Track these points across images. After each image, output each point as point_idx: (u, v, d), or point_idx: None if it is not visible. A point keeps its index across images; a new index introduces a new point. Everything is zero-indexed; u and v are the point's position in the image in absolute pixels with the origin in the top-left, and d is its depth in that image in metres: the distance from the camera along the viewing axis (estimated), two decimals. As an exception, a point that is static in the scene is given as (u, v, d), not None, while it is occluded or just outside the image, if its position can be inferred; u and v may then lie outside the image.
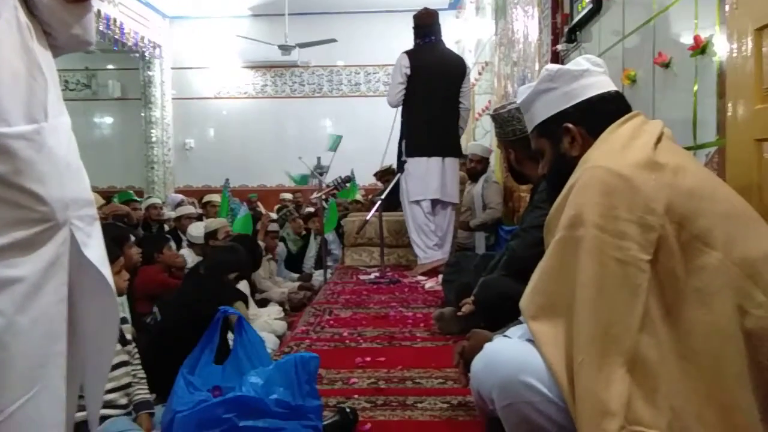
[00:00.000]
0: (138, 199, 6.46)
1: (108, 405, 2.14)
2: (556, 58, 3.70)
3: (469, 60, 7.38)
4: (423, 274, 4.32)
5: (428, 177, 4.40)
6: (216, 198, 6.73)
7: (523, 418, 1.15)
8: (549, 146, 1.42)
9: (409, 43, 4.64)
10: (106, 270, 1.07)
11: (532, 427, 1.15)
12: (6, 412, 0.89)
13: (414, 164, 4.39)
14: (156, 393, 2.39)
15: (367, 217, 4.21)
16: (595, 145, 1.30)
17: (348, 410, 1.61)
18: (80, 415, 1.18)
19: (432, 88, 4.38)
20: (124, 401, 2.22)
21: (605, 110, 1.34)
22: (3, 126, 0.89)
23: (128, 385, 2.26)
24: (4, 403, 0.89)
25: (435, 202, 4.48)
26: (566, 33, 3.55)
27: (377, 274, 4.32)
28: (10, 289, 0.90)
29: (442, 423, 1.70)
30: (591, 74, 1.37)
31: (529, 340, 1.21)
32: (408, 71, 4.38)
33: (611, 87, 1.40)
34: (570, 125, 1.35)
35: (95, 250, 1.06)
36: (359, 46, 9.72)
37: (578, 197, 1.17)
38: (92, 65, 10.00)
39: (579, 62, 1.40)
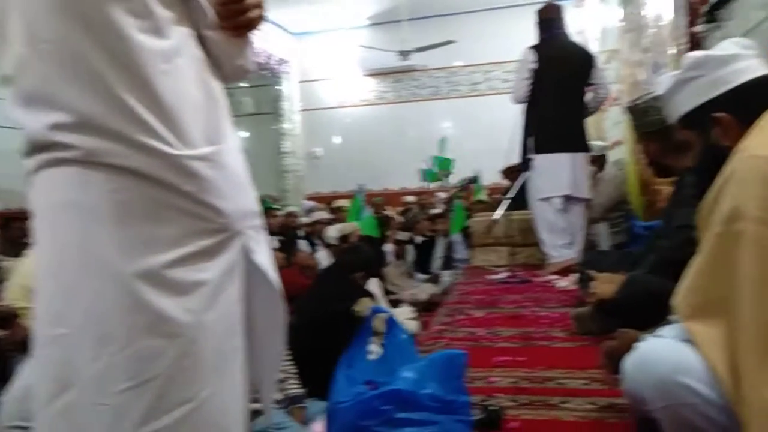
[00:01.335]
0: (276, 207, 6.89)
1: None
2: (695, 40, 3.47)
3: (594, 49, 7.09)
4: (555, 273, 4.23)
5: (559, 173, 4.29)
6: (346, 203, 7.01)
7: (684, 420, 1.12)
8: (697, 137, 1.36)
9: (528, 37, 4.56)
10: (273, 274, 1.19)
11: (694, 429, 1.12)
12: (198, 399, 1.02)
13: (543, 161, 4.30)
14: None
15: (494, 217, 4.19)
16: (750, 133, 1.23)
17: (493, 408, 1.64)
18: (252, 406, 1.32)
19: (559, 82, 4.27)
20: (279, 396, 2.41)
21: (759, 96, 1.26)
22: (189, 149, 1.03)
23: (282, 381, 2.45)
24: (194, 392, 1.02)
25: (566, 199, 4.36)
26: (705, 12, 3.31)
27: (507, 274, 4.29)
28: (198, 291, 1.04)
29: (589, 424, 1.68)
30: (740, 59, 1.30)
31: (684, 341, 1.17)
32: (534, 66, 4.30)
33: (764, 71, 1.31)
34: (720, 114, 1.29)
35: (263, 256, 1.19)
36: (477, 46, 9.66)
37: (736, 189, 1.12)
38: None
39: (725, 47, 1.33)
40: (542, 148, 4.29)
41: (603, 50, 6.94)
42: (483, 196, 7.35)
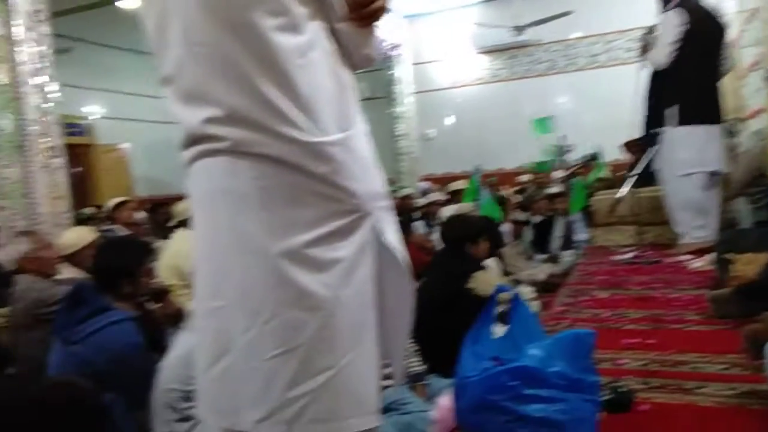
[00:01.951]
0: (393, 189, 7.00)
1: (388, 376, 2.42)
2: None
3: (730, 9, 6.46)
4: (689, 253, 3.95)
5: (706, 146, 3.93)
6: (463, 185, 6.99)
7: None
8: None
9: (652, 3, 4.25)
10: (402, 254, 1.25)
11: None
12: (336, 368, 1.10)
13: (685, 133, 3.94)
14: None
15: (619, 195, 4.00)
16: None
17: (623, 390, 1.61)
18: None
19: (705, 47, 3.93)
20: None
21: None
22: (323, 136, 1.11)
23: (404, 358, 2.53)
24: (334, 360, 1.10)
25: (711, 175, 3.99)
26: None
27: (634, 254, 4.09)
28: (335, 268, 1.11)
29: (728, 410, 1.59)
30: None
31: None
32: (683, 29, 3.95)
33: None
34: None
35: (392, 236, 1.24)
36: (596, 15, 9.15)
37: None
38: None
39: None
40: (687, 119, 3.91)
41: (742, 10, 6.31)
42: (604, 173, 7.01)
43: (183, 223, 3.80)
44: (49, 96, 3.85)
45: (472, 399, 1.35)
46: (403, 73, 10.26)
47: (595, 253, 4.58)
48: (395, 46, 9.96)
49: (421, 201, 6.69)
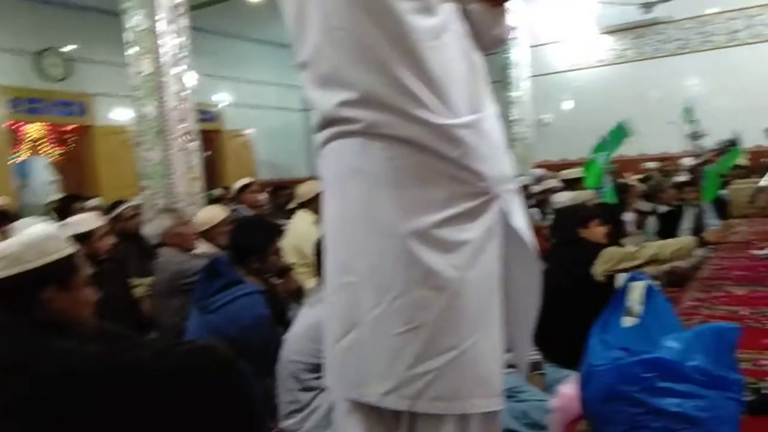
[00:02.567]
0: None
1: (508, 364, 2.39)
2: None
3: None
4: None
5: None
6: (579, 173, 6.69)
7: None
8: None
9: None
10: (529, 237, 1.23)
11: None
12: (460, 348, 1.11)
13: None
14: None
15: (762, 184, 3.66)
16: None
17: (766, 391, 1.48)
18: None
19: None
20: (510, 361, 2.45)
21: None
22: (455, 118, 1.11)
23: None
24: (458, 341, 1.11)
25: None
26: None
27: (776, 249, 3.74)
28: (462, 249, 1.12)
29: None
30: None
31: None
32: None
33: None
34: None
35: (519, 219, 1.23)
36: (737, -14, 8.36)
37: None
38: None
39: None
40: None
41: None
42: (742, 160, 6.42)
43: (303, 205, 3.97)
44: (186, 84, 4.16)
45: (602, 388, 1.31)
46: (519, 56, 9.96)
47: (730, 246, 4.23)
48: (512, 29, 9.69)
49: (536, 188, 6.50)
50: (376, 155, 1.12)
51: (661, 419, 1.24)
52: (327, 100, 1.15)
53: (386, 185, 1.11)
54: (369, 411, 1.19)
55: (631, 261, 2.46)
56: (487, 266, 1.15)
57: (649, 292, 1.45)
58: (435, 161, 1.10)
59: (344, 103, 1.12)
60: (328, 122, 1.18)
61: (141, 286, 3.43)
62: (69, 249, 1.40)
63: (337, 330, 1.20)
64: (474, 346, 1.12)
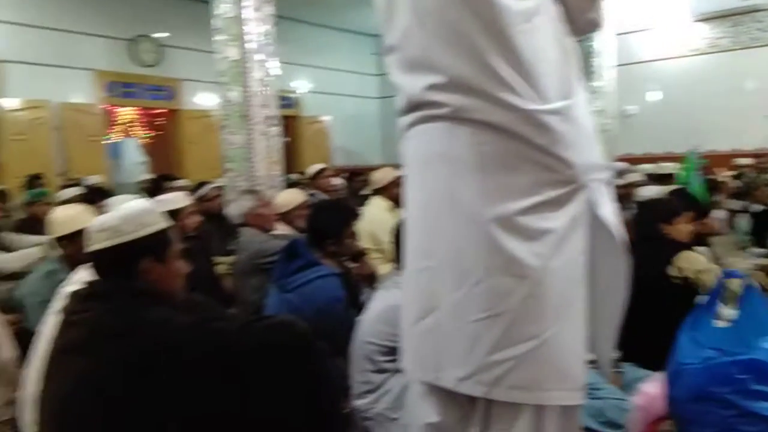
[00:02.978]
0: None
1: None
2: None
3: None
4: None
5: None
6: (670, 168, 6.38)
7: None
8: None
9: None
10: (617, 229, 1.19)
11: None
12: (541, 338, 1.10)
13: None
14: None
15: None
16: None
17: None
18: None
19: None
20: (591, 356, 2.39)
21: None
22: (544, 103, 1.09)
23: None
24: (539, 330, 1.10)
25: None
26: None
27: None
28: (545, 238, 1.10)
29: None
30: None
31: None
32: None
33: None
34: None
35: (607, 210, 1.19)
36: None
37: None
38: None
39: None
40: None
41: None
42: None
43: (378, 192, 4.02)
44: (270, 71, 4.28)
45: (692, 388, 1.25)
46: (603, 44, 9.57)
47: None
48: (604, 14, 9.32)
49: (619, 182, 6.25)
50: (462, 140, 1.11)
51: (754, 423, 1.18)
52: (414, 84, 1.16)
53: (471, 170, 1.11)
54: (444, 395, 1.20)
55: (704, 277, 2.32)
56: (570, 256, 1.13)
57: (746, 290, 1.37)
58: (522, 147, 1.09)
59: (432, 87, 1.12)
60: (413, 106, 1.18)
61: (222, 264, 3.58)
62: (164, 223, 1.48)
63: (415, 313, 1.21)
64: (555, 337, 1.10)
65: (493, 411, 1.14)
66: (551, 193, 1.10)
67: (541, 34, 1.11)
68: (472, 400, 1.17)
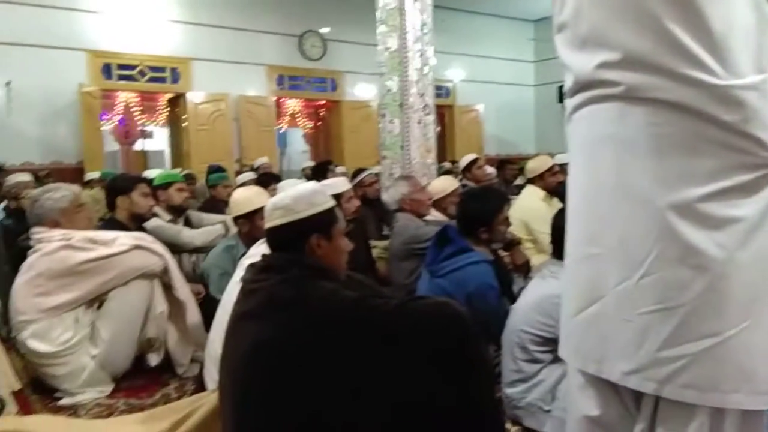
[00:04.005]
0: None
1: None
2: None
3: None
4: None
5: None
6: None
7: None
8: None
9: None
10: None
11: None
12: (723, 335, 1.00)
13: None
14: None
15: None
16: None
17: None
18: None
19: None
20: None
21: None
22: (736, 78, 0.98)
23: None
24: (720, 327, 1.00)
25: None
26: None
27: None
28: (731, 227, 1.00)
29: None
30: None
31: None
32: None
33: None
34: None
35: None
36: None
37: None
38: None
39: None
40: None
41: None
42: None
43: (532, 180, 3.92)
44: (427, 60, 4.33)
45: None
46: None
47: None
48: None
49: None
50: (635, 121, 1.05)
51: None
52: (584, 63, 1.11)
53: (644, 153, 1.04)
54: (606, 387, 1.15)
55: None
56: (762, 248, 1.01)
57: None
58: (706, 127, 0.99)
59: (604, 65, 1.07)
60: (583, 86, 1.13)
61: (376, 248, 3.73)
62: (331, 202, 1.58)
63: (578, 302, 1.17)
64: (741, 336, 1.00)
65: (661, 410, 1.07)
66: (741, 178, 1.00)
67: (736, 1, 1.00)
68: (637, 396, 1.11)
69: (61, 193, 2.53)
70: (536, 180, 3.89)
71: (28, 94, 6.63)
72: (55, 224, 2.47)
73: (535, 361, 1.96)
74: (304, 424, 1.34)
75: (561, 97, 10.09)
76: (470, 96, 10.12)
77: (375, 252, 3.68)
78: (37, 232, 2.47)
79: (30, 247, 2.50)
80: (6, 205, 4.05)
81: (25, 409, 2.18)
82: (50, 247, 2.40)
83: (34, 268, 2.39)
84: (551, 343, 1.93)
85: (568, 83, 1.18)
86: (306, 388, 1.35)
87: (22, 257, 2.55)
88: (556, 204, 3.83)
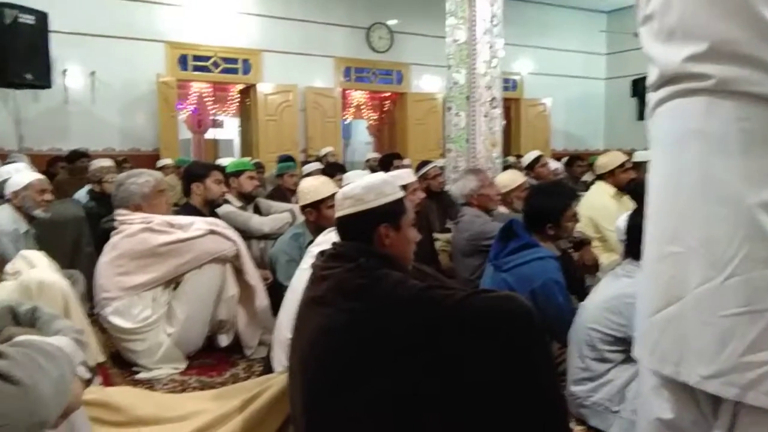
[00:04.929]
0: None
1: None
2: None
3: None
4: None
5: None
6: None
7: None
8: None
9: None
10: None
11: None
12: None
13: None
14: None
15: None
16: None
17: None
18: None
19: None
20: None
21: None
22: None
23: None
24: None
25: None
26: None
27: None
28: None
29: None
30: None
31: None
32: None
33: None
34: None
35: None
36: None
37: None
38: None
39: None
40: None
41: None
42: None
43: (602, 176, 3.80)
44: (496, 53, 4.28)
45: None
46: None
47: None
48: None
49: None
50: (724, 116, 1.00)
51: None
52: (671, 56, 1.07)
53: (733, 149, 1.00)
54: (681, 390, 1.12)
55: None
56: None
57: None
58: None
59: (692, 58, 1.03)
60: (668, 80, 1.09)
61: (439, 240, 3.73)
62: (400, 193, 1.60)
63: (655, 301, 1.13)
64: None
65: (741, 416, 1.03)
66: None
67: None
68: (715, 401, 1.07)
69: (144, 178, 2.67)
70: (606, 176, 3.78)
71: (110, 83, 6.98)
72: (137, 208, 2.60)
73: (604, 360, 1.92)
74: (371, 405, 1.37)
75: (634, 91, 9.73)
76: (538, 89, 9.90)
77: (437, 245, 3.68)
78: (121, 215, 2.61)
79: (112, 229, 2.65)
80: (90, 188, 4.28)
81: (106, 381, 2.33)
82: (132, 229, 2.53)
83: (116, 248, 2.54)
84: (622, 342, 1.88)
85: (652, 77, 1.14)
86: (372, 372, 1.38)
87: (105, 239, 2.71)
88: (627, 202, 3.71)
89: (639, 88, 9.49)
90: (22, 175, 3.00)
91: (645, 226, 1.19)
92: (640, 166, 4.70)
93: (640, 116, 9.52)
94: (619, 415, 1.86)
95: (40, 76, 5.68)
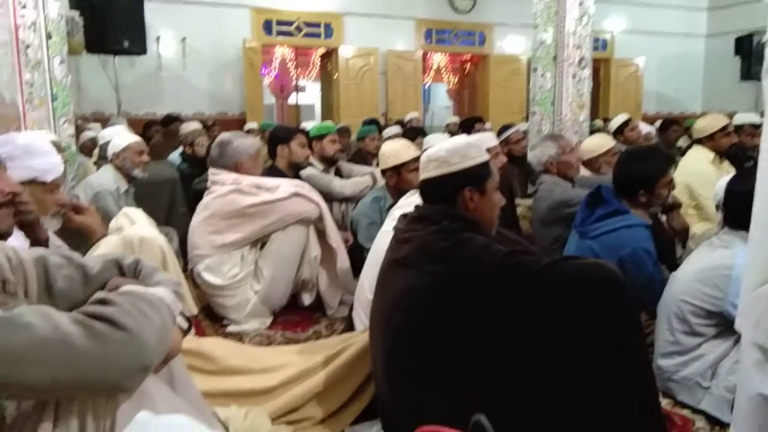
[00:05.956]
0: None
1: None
2: None
3: None
4: None
5: None
6: None
7: None
8: None
9: None
10: None
11: None
12: None
13: None
14: None
15: None
16: None
17: None
18: None
19: None
20: None
21: None
22: None
23: None
24: None
25: None
26: None
27: None
28: None
29: None
30: None
31: None
32: None
33: None
34: None
35: None
36: None
37: None
38: None
39: None
40: None
41: None
42: None
43: (701, 141, 3.57)
44: (586, 10, 4.06)
45: None
46: None
47: None
48: None
49: None
50: None
51: None
52: None
53: None
54: (786, 367, 1.05)
55: None
56: None
57: None
58: None
59: None
60: None
61: (520, 206, 3.65)
62: (485, 156, 1.57)
63: (762, 273, 1.07)
64: None
65: None
66: None
67: None
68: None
69: (250, 140, 2.80)
70: (705, 140, 3.55)
71: (200, 49, 7.23)
72: (237, 168, 2.70)
73: (695, 334, 1.83)
74: (452, 367, 1.38)
75: (738, 49, 8.95)
76: (630, 48, 9.32)
77: (519, 210, 3.60)
78: (214, 173, 2.72)
79: (204, 190, 2.78)
80: (182, 151, 4.49)
81: (199, 332, 2.48)
82: (223, 190, 2.64)
83: (208, 208, 2.66)
84: (715, 316, 1.78)
85: None
86: (455, 335, 1.39)
87: (197, 199, 2.84)
88: (727, 168, 3.47)
89: (744, 45, 8.73)
90: (121, 137, 3.18)
91: (757, 191, 1.11)
92: (742, 129, 4.37)
93: (745, 76, 8.79)
94: (709, 392, 1.78)
95: (136, 43, 5.97)
